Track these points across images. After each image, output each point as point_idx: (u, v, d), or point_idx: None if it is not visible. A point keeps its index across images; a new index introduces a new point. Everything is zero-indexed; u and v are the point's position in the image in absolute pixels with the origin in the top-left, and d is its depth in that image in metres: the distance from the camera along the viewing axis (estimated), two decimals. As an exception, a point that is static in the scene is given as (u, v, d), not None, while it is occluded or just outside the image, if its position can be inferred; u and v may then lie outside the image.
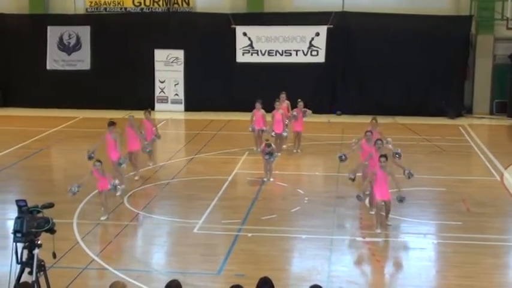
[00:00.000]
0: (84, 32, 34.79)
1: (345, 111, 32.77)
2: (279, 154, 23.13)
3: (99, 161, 17.30)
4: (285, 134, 23.77)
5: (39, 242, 8.52)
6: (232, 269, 13.80)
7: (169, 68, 34.39)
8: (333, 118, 30.85)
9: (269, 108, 24.24)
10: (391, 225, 16.63)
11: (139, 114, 22.44)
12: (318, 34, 33.23)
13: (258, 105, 23.96)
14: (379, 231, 16.11)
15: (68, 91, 34.36)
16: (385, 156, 16.36)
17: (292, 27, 33.34)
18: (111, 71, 34.14)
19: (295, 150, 24.22)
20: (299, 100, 24.51)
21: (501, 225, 17.06)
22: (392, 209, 16.64)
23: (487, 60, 33.19)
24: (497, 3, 32.38)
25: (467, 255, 14.72)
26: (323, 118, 29.52)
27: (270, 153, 20.42)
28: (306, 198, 18.94)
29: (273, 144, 21.14)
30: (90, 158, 19.24)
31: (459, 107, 32.87)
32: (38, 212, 8.68)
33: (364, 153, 18.44)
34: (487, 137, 29.17)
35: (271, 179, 20.60)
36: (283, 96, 25.09)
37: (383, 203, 16.21)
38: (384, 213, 16.38)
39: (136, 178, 20.79)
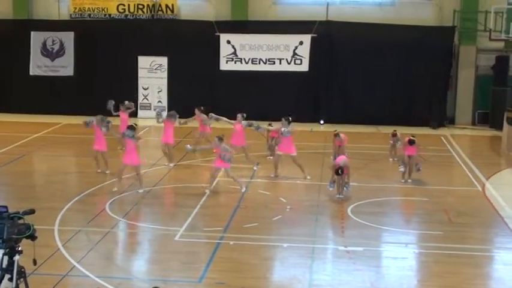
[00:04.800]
0: (68, 38, 34.75)
1: (328, 120, 32.83)
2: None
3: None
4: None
5: (19, 249, 8.47)
6: (213, 277, 13.75)
7: (152, 75, 34.41)
8: (315, 127, 30.83)
9: (252, 117, 24.28)
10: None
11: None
12: (301, 43, 33.35)
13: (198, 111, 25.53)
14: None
15: (50, 97, 34.24)
16: None
17: (276, 35, 33.44)
18: (95, 78, 34.10)
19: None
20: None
21: (482, 236, 17.12)
22: (374, 219, 17.11)
23: (469, 71, 33.44)
24: (480, 15, 32.64)
25: (448, 265, 14.76)
26: (306, 127, 29.52)
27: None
28: (288, 207, 18.92)
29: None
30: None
31: (442, 117, 33.04)
32: (19, 218, 8.62)
33: None
34: (469, 147, 29.33)
35: (207, 191, 19.92)
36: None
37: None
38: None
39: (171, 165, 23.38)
